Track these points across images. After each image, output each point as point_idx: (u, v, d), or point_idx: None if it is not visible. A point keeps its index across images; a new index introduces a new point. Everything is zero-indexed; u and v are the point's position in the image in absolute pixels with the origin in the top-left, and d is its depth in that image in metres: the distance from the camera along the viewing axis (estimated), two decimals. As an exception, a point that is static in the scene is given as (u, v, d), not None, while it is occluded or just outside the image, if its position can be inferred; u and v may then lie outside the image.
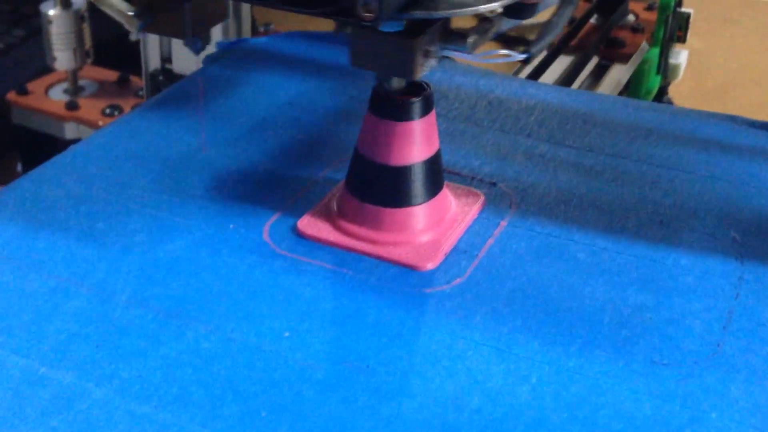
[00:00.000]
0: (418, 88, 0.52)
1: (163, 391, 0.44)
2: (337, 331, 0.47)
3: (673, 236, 0.53)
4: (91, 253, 0.54)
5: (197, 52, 0.60)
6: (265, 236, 0.55)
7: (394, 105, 0.51)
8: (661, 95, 1.09)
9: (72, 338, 0.48)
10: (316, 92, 0.71)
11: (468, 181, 0.59)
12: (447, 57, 0.57)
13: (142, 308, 0.49)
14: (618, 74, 0.97)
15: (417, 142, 0.52)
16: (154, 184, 0.60)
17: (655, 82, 1.03)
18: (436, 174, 0.53)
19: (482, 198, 0.56)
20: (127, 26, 0.58)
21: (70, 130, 0.97)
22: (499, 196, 0.57)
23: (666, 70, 1.05)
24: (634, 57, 0.98)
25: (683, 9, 1.02)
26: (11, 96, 1.00)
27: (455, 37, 0.50)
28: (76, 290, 0.51)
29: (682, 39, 1.03)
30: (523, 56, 0.51)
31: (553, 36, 0.56)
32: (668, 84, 1.08)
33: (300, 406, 0.43)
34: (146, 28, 0.58)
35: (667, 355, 0.45)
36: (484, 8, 0.48)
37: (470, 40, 0.49)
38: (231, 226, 0.56)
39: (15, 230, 0.56)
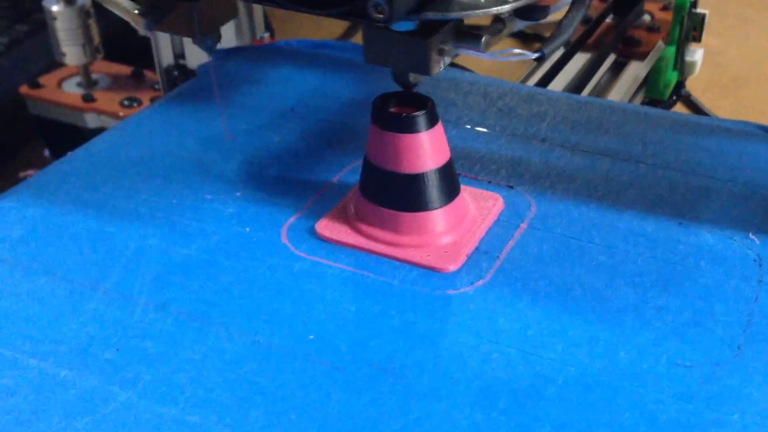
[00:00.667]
0: (420, 102, 0.52)
1: (189, 394, 0.44)
2: (362, 334, 0.47)
3: (692, 239, 0.53)
4: (103, 257, 0.54)
5: (209, 51, 0.60)
6: (284, 238, 0.55)
7: (397, 119, 0.51)
8: (679, 89, 1.10)
9: (92, 341, 0.47)
10: (324, 95, 0.71)
11: (485, 185, 0.59)
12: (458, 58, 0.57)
13: (162, 312, 0.49)
14: (636, 70, 0.98)
15: (426, 154, 0.52)
16: (164, 187, 0.60)
17: (672, 77, 1.03)
18: (450, 179, 0.53)
19: (501, 201, 0.56)
20: (133, 24, 0.57)
21: (91, 120, 0.97)
22: (518, 199, 0.57)
23: (682, 67, 1.06)
24: (650, 54, 0.99)
25: (698, 10, 1.03)
26: (24, 89, 0.99)
27: (469, 36, 0.50)
28: (91, 294, 0.51)
29: (697, 39, 1.04)
30: (536, 55, 0.51)
31: (567, 36, 0.56)
32: (685, 78, 1.09)
33: (329, 409, 0.42)
34: (154, 26, 0.58)
35: (689, 357, 0.45)
36: (495, 10, 0.49)
37: (484, 39, 0.49)
38: (247, 229, 0.56)
39: (24, 234, 0.56)
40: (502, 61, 0.51)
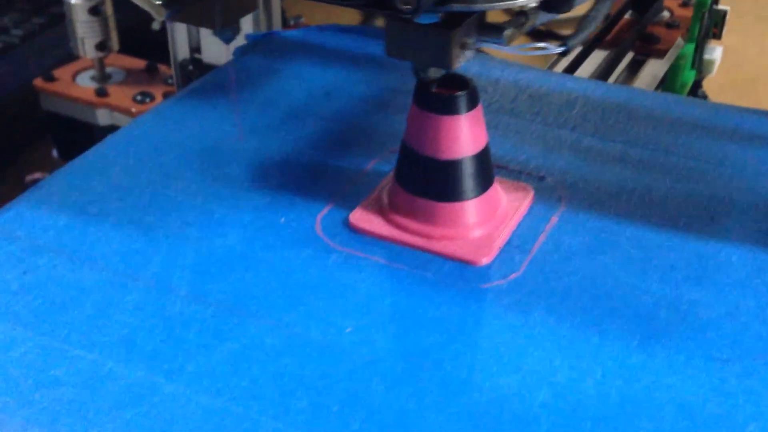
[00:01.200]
0: (461, 83, 0.53)
1: (233, 385, 0.45)
2: (399, 327, 0.48)
3: (724, 232, 0.54)
4: (143, 246, 0.54)
5: (227, 42, 0.61)
6: (318, 230, 0.55)
7: (440, 99, 0.52)
8: (696, 88, 1.09)
9: (135, 332, 0.48)
10: (353, 82, 0.72)
11: (516, 175, 0.59)
12: (482, 49, 0.58)
13: (202, 303, 0.50)
14: (654, 69, 0.98)
15: (465, 137, 0.52)
16: (199, 174, 0.61)
17: (690, 76, 1.03)
18: (486, 168, 0.54)
19: (532, 192, 0.57)
20: (154, 15, 0.58)
21: (102, 116, 0.97)
22: (549, 191, 0.58)
23: (700, 65, 1.05)
24: (669, 52, 0.99)
25: (719, 6, 1.02)
26: (38, 82, 1.00)
27: (491, 30, 0.50)
28: (133, 284, 0.51)
29: (717, 36, 1.03)
30: (560, 49, 0.52)
31: (591, 29, 0.56)
32: (702, 78, 1.09)
33: (371, 401, 0.43)
34: (174, 17, 0.58)
35: (726, 352, 0.46)
36: (521, 2, 0.49)
37: (507, 32, 0.49)
38: (282, 219, 0.56)
39: (65, 222, 0.57)
40: (523, 56, 0.52)
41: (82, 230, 0.56)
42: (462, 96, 0.52)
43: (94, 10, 0.92)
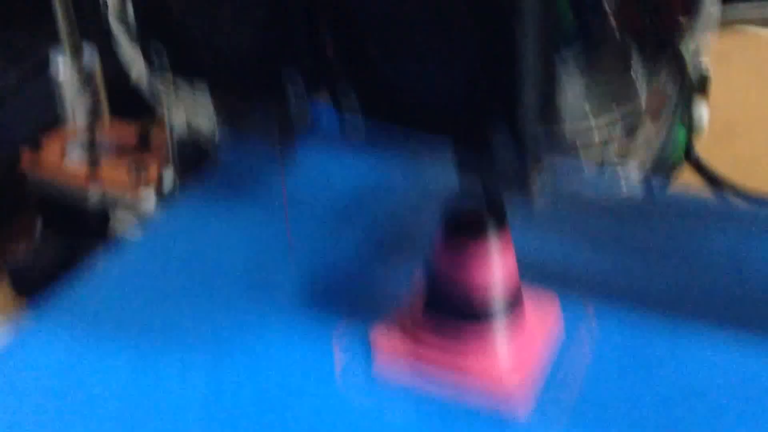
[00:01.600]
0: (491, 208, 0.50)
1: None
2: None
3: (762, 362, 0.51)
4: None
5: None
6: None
7: (471, 222, 0.49)
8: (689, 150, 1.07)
9: None
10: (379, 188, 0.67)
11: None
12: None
13: None
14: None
15: (495, 262, 0.49)
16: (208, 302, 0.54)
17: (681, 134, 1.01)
18: (514, 292, 0.51)
19: (557, 304, 0.54)
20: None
21: (94, 198, 0.88)
22: (573, 305, 0.55)
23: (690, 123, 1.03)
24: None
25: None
26: (26, 157, 0.91)
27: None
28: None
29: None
30: None
31: None
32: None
33: None
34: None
35: None
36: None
37: None
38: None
39: (58, 364, 0.50)
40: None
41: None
42: (491, 220, 0.49)
43: (83, 80, 0.85)
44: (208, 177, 0.67)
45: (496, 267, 0.49)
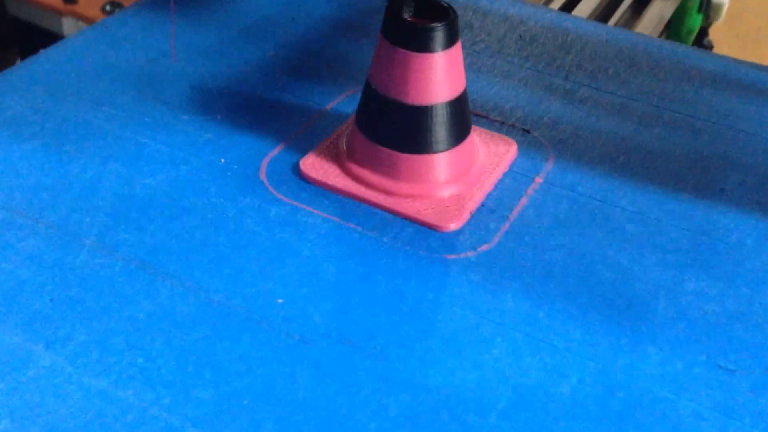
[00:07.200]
0: (440, 11, 0.44)
1: (126, 362, 0.36)
2: (341, 301, 0.40)
3: (737, 209, 0.45)
4: (54, 181, 0.46)
5: None
6: (262, 175, 0.47)
7: (413, 31, 0.43)
8: (702, 36, 1.00)
9: (21, 287, 0.40)
10: (331, 9, 0.62)
11: (498, 126, 0.51)
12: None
13: (110, 256, 0.41)
14: (660, 10, 0.88)
15: (439, 79, 0.44)
16: (132, 102, 0.52)
17: (696, 21, 0.94)
18: (461, 117, 0.45)
19: (514, 147, 0.48)
20: None
21: (68, 26, 0.88)
22: (534, 147, 0.49)
23: (708, 10, 0.96)
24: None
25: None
26: None
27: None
28: (32, 227, 0.43)
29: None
30: None
31: None
32: (710, 25, 1.00)
33: (291, 394, 0.35)
34: None
35: (733, 359, 0.37)
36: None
37: None
38: (221, 160, 0.48)
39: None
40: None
41: (-15, 157, 0.47)
42: (439, 29, 0.43)
43: None
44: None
45: (441, 87, 0.44)
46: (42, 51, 0.58)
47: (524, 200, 0.45)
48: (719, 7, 0.98)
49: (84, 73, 0.54)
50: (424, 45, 0.43)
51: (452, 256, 0.42)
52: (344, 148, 0.47)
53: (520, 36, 0.59)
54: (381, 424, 0.34)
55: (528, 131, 0.50)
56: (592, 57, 0.57)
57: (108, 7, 0.87)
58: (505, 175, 0.47)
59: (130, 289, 0.40)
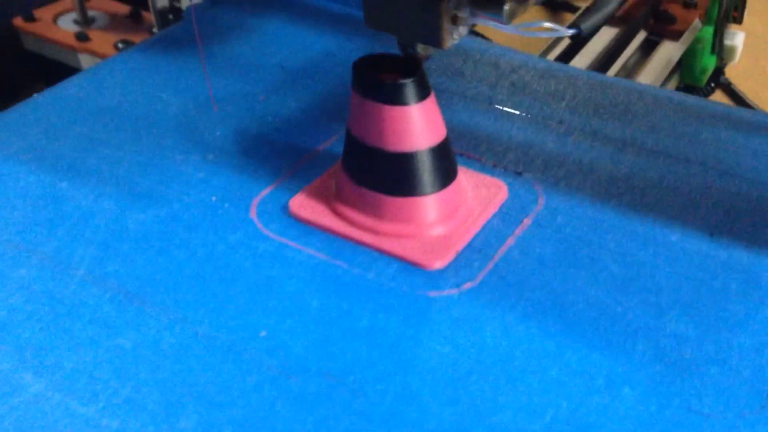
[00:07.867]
0: (410, 67, 0.44)
1: (112, 391, 0.37)
2: (323, 335, 0.40)
3: (724, 255, 0.46)
4: (49, 216, 0.47)
5: None
6: (252, 213, 0.48)
7: (382, 87, 0.43)
8: (718, 75, 1.01)
9: (12, 315, 0.41)
10: (322, 50, 0.64)
11: (489, 169, 0.52)
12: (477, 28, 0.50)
13: (99, 287, 0.42)
14: (669, 51, 0.89)
15: (417, 128, 0.44)
16: (128, 142, 0.53)
17: (710, 61, 0.95)
18: (445, 162, 0.46)
19: (504, 189, 0.49)
20: None
21: (85, 61, 0.90)
22: (525, 188, 0.50)
23: (721, 51, 0.97)
24: (686, 34, 0.90)
25: (740, -14, 0.94)
26: (18, 22, 0.93)
27: (489, 3, 0.42)
28: (26, 258, 0.44)
29: (738, 20, 0.95)
30: (571, 32, 0.43)
31: (611, 10, 0.47)
32: (725, 65, 1.01)
33: (271, 425, 0.36)
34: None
35: (707, 403, 0.38)
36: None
37: (507, 7, 0.41)
38: (213, 198, 0.49)
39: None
40: (526, 36, 0.43)
41: (-19, 191, 0.49)
42: (408, 84, 0.44)
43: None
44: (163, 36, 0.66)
45: (420, 135, 0.45)
46: (38, 93, 0.60)
47: (511, 240, 0.46)
48: (732, 49, 0.98)
49: (82, 114, 0.56)
50: (397, 100, 0.44)
51: (435, 294, 0.43)
52: (333, 188, 0.48)
53: (512, 84, 0.60)
54: (356, 457, 0.35)
55: (519, 173, 0.51)
56: (586, 104, 0.58)
57: (120, 45, 0.89)
58: (494, 216, 0.48)
59: (118, 319, 0.40)
